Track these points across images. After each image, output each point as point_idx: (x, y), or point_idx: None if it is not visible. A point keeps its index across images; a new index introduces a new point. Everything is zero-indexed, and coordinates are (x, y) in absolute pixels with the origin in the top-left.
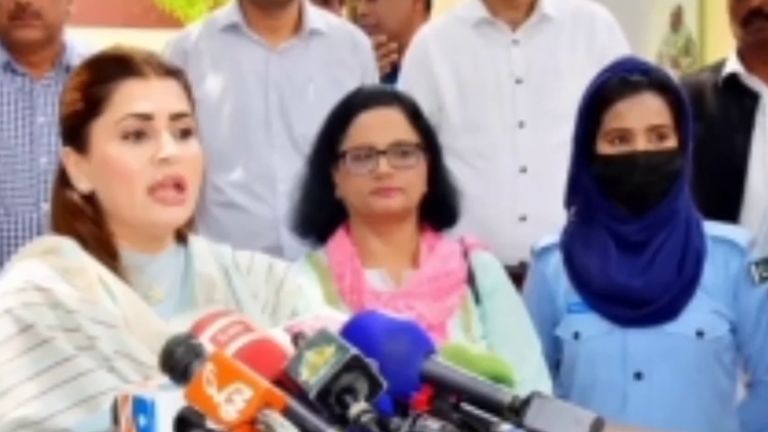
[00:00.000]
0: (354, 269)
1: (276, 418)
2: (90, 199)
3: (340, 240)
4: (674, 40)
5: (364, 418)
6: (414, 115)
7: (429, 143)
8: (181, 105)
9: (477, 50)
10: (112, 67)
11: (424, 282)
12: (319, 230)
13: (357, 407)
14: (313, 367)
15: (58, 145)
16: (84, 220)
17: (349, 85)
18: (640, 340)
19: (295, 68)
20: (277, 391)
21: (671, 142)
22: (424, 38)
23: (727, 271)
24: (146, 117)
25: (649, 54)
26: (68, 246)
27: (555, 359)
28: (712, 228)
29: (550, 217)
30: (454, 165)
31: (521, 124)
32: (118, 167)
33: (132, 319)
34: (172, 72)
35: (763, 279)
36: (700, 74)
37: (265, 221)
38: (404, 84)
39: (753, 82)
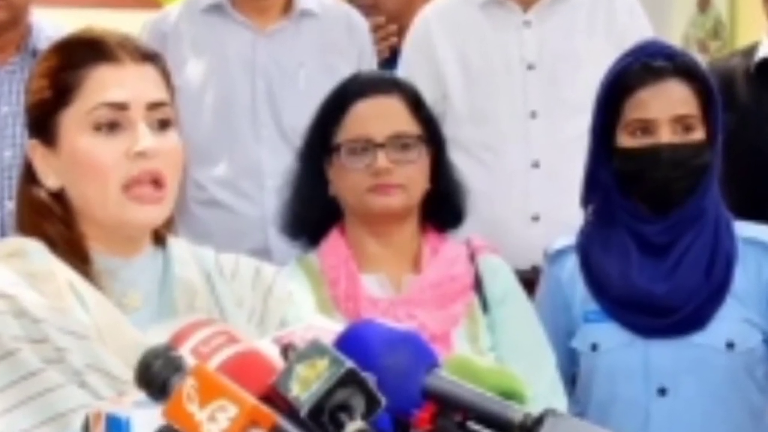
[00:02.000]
0: (349, 274)
1: None
2: (59, 196)
3: (334, 242)
4: (702, 21)
5: None
6: (415, 104)
7: (432, 135)
8: (159, 93)
9: (485, 32)
10: (83, 52)
11: (426, 288)
12: (311, 231)
13: (353, 426)
14: (305, 382)
15: (23, 138)
16: (52, 220)
17: (344, 72)
18: (664, 353)
19: (285, 53)
20: (265, 409)
21: (698, 134)
22: (427, 19)
23: (760, 276)
24: (121, 106)
25: (675, 37)
26: (35, 248)
27: (571, 373)
28: (744, 229)
29: (565, 217)
30: (459, 159)
31: (533, 114)
32: (90, 162)
33: (105, 328)
34: (149, 57)
35: None
36: (730, 59)
37: (251, 221)
38: (405, 70)
39: None
